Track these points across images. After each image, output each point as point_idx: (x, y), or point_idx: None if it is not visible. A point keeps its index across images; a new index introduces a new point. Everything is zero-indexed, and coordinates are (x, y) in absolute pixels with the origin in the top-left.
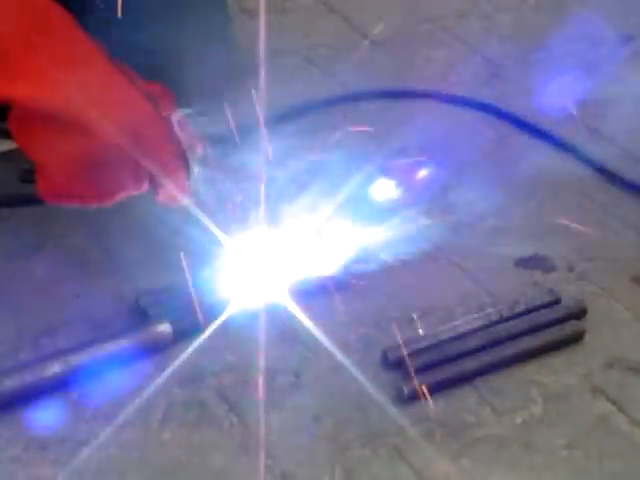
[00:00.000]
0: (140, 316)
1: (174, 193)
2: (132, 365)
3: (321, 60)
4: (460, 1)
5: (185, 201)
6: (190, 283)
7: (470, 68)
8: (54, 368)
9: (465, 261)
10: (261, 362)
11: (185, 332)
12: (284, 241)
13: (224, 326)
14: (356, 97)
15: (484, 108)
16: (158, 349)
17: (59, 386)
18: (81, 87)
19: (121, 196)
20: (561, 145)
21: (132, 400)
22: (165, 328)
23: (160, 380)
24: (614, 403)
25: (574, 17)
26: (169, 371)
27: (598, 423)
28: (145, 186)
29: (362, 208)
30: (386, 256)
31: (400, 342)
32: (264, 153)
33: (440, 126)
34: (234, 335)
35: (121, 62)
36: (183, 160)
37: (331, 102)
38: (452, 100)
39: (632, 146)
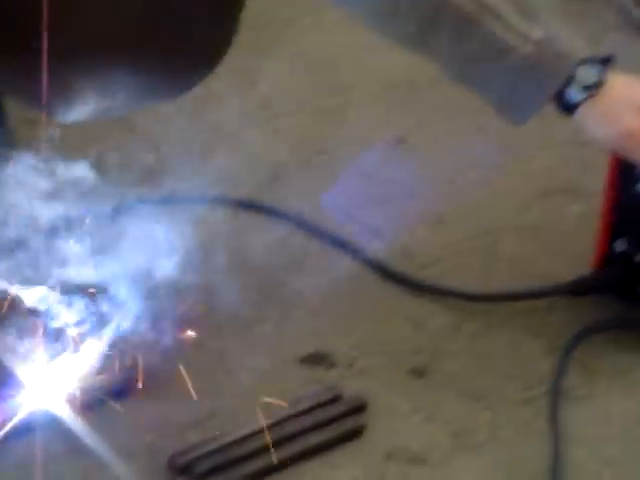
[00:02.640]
0: None
1: None
2: None
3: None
4: (239, 108)
5: None
6: None
7: (252, 172)
8: None
9: (250, 360)
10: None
11: None
12: (61, 354)
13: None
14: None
15: (267, 212)
16: None
17: None
18: None
19: None
20: (341, 244)
21: None
22: None
23: None
24: None
25: (351, 121)
26: None
27: None
28: None
29: None
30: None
31: (187, 447)
32: None
33: (223, 230)
34: (16, 452)
35: None
36: None
37: None
38: (235, 204)
39: (407, 242)
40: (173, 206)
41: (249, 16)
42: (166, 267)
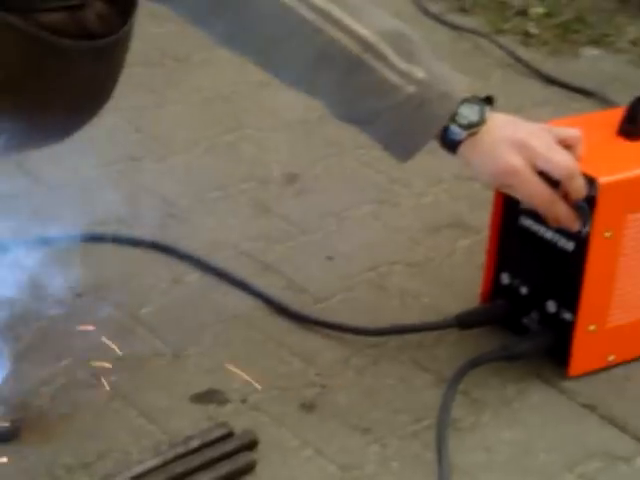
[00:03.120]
0: None
1: None
2: None
3: None
4: (132, 145)
5: None
6: None
7: (146, 210)
8: None
9: (141, 398)
10: None
11: None
12: None
13: None
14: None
15: (161, 248)
16: None
17: None
18: None
19: None
20: (234, 280)
21: None
22: None
23: None
24: None
25: (245, 157)
26: None
27: None
28: None
29: None
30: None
31: None
32: None
33: (117, 268)
34: None
35: None
36: None
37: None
38: (130, 242)
39: (300, 277)
40: (58, 245)
41: (142, 53)
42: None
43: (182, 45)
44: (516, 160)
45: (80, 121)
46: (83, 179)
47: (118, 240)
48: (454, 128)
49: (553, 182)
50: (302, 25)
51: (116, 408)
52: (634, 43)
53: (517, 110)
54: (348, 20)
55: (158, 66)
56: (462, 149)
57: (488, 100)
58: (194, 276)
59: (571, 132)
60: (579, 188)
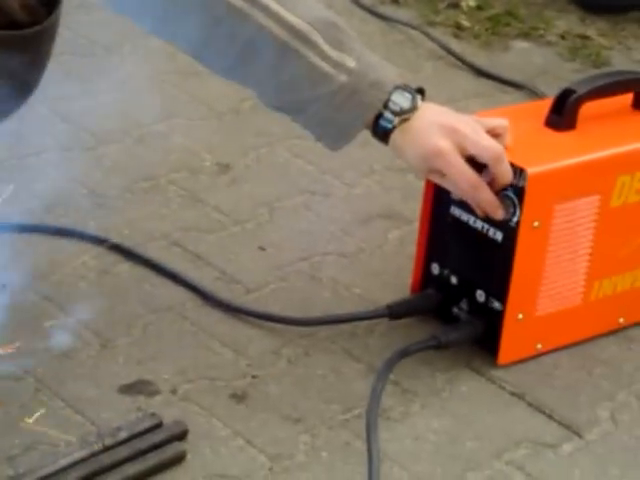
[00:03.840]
0: None
1: None
2: None
3: None
4: (61, 135)
5: None
6: None
7: (75, 200)
8: None
9: (68, 390)
10: None
11: None
12: None
13: None
14: None
15: (89, 239)
16: None
17: None
18: None
19: None
20: (164, 271)
21: None
22: None
23: None
24: None
25: (176, 147)
26: None
27: None
28: None
29: None
30: None
31: None
32: None
33: (45, 259)
34: None
35: None
36: None
37: None
38: (58, 232)
39: (230, 268)
40: None
41: (71, 42)
42: None
43: (112, 34)
44: (444, 143)
45: (5, 111)
46: (10, 168)
47: (46, 230)
48: (387, 115)
49: (480, 170)
50: (230, 12)
51: (43, 399)
52: (562, 37)
53: (448, 102)
54: (276, 7)
55: (88, 55)
56: (393, 136)
57: (419, 91)
58: (124, 266)
59: (498, 122)
60: (506, 173)
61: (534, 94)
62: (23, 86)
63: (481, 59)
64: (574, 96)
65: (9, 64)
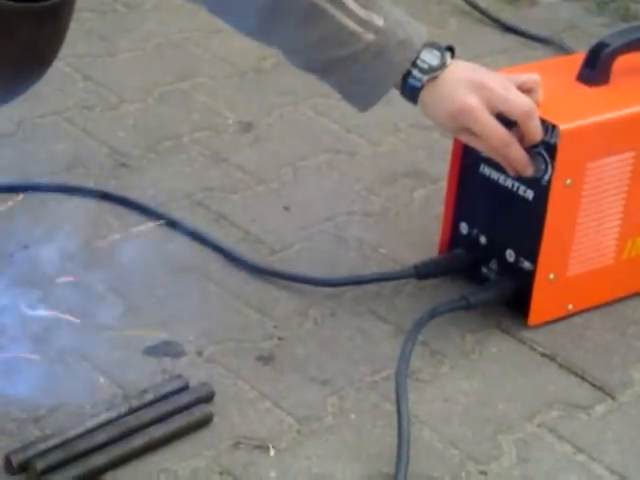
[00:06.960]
0: None
1: None
2: None
3: None
4: (84, 92)
5: None
6: None
7: (97, 159)
8: None
9: (93, 353)
10: None
11: None
12: None
13: None
14: None
15: (112, 199)
16: None
17: None
18: None
19: None
20: (189, 231)
21: None
22: None
23: None
24: None
25: (198, 106)
26: None
27: None
28: None
29: None
30: None
31: (25, 444)
32: None
33: (67, 219)
34: None
35: None
36: None
37: None
38: (80, 191)
39: (255, 228)
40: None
41: (92, 1)
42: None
43: None
44: (472, 99)
45: (24, 84)
46: (32, 128)
47: (68, 190)
48: (415, 73)
49: (510, 127)
50: None
51: (69, 362)
52: None
53: (474, 58)
54: None
55: (109, 12)
56: (422, 95)
57: (449, 49)
58: (147, 227)
59: (530, 76)
60: (536, 129)
61: (562, 50)
62: (41, 59)
63: (507, 14)
64: (608, 49)
65: (27, 37)
